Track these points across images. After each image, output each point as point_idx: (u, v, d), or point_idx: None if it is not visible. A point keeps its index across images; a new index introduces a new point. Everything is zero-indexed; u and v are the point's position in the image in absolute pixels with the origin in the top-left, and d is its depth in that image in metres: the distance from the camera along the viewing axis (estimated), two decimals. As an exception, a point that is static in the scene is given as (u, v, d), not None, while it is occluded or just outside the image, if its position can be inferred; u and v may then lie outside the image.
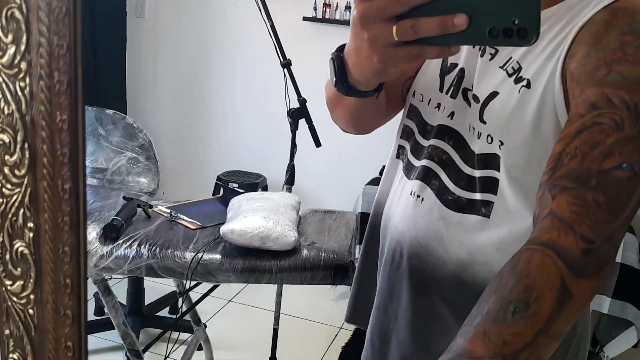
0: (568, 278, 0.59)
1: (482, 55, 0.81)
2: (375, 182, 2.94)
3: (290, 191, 2.12)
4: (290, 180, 2.14)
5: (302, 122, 2.05)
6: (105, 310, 1.65)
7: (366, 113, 0.90)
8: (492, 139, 0.78)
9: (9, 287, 0.39)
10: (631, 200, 0.62)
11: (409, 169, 0.91)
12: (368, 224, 1.02)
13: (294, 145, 2.10)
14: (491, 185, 0.80)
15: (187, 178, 3.70)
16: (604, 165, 0.62)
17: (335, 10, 3.24)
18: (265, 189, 3.32)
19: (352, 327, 2.61)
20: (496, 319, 0.59)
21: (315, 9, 3.24)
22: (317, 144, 2.04)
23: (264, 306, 2.87)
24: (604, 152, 0.62)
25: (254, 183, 3.24)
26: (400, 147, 0.95)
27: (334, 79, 0.71)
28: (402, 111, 0.97)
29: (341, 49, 0.70)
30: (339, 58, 0.70)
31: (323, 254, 1.61)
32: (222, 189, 2.82)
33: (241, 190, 2.25)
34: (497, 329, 0.58)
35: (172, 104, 3.69)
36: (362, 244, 1.03)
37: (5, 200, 0.38)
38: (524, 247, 0.62)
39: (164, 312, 2.74)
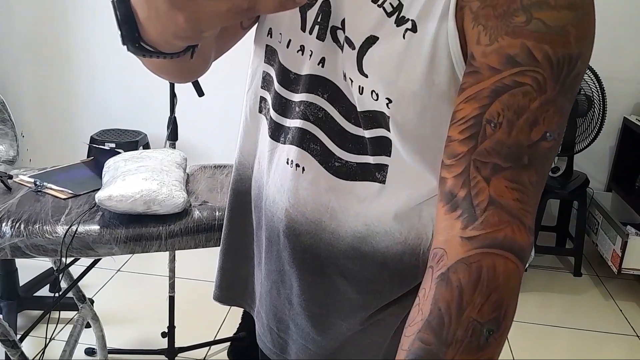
0: (522, 276, 0.56)
1: None
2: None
3: (174, 147, 1.94)
4: (173, 136, 1.95)
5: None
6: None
7: (183, 67, 0.71)
8: (377, 95, 0.65)
9: None
10: (550, 169, 0.59)
11: (276, 130, 0.76)
12: (231, 189, 0.87)
13: (173, 96, 1.90)
14: (384, 145, 0.68)
15: (57, 141, 3.35)
16: (532, 137, 0.56)
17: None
18: (146, 147, 3.07)
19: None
20: (469, 348, 0.52)
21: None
22: (200, 93, 1.85)
23: (157, 272, 2.69)
24: (530, 121, 0.55)
25: (133, 141, 2.97)
26: (262, 100, 0.79)
27: (119, 32, 0.49)
28: (257, 54, 0.79)
29: None
30: (123, 3, 0.47)
31: (217, 213, 1.48)
32: (95, 150, 2.55)
33: (119, 150, 2.02)
34: (470, 357, 0.53)
35: (26, 57, 3.27)
36: (226, 212, 0.89)
37: None
38: (480, 250, 0.54)
39: (44, 291, 2.48)
